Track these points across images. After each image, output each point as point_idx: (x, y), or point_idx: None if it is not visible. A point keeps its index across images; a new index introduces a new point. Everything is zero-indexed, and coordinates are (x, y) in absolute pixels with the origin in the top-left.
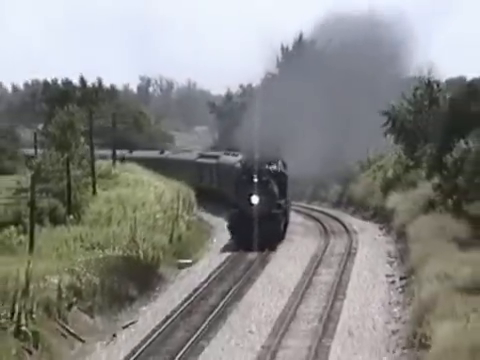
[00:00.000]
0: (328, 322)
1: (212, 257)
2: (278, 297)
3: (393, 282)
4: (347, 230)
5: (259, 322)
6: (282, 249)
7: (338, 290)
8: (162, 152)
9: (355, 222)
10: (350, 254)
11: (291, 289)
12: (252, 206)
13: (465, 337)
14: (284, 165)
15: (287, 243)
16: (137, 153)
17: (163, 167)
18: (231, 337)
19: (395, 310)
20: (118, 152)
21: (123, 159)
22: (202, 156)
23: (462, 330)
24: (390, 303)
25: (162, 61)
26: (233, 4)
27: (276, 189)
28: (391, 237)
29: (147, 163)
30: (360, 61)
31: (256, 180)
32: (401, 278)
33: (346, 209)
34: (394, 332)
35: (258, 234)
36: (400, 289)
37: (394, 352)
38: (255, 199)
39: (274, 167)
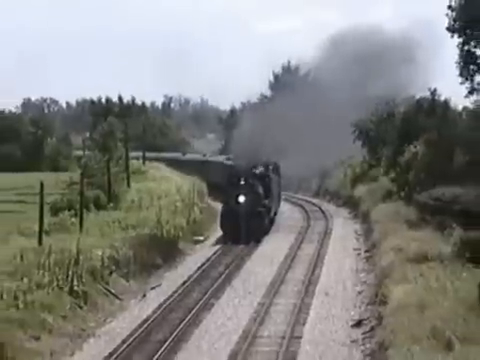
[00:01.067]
0: (309, 285)
1: (219, 235)
2: (270, 266)
3: (359, 254)
4: (324, 214)
5: (256, 285)
6: (273, 229)
7: (317, 260)
8: (204, 155)
9: (330, 208)
10: (326, 233)
11: (280, 260)
12: (239, 205)
13: (413, 296)
14: (277, 167)
15: (277, 225)
16: (188, 156)
17: (204, 167)
18: (235, 296)
19: (361, 275)
20: (171, 154)
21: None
22: (229, 158)
23: (411, 290)
24: (357, 270)
25: (181, 82)
26: (243, 33)
27: (261, 190)
28: (358, 219)
29: (194, 163)
30: (350, 76)
31: (243, 182)
32: (366, 251)
33: (323, 198)
34: (360, 292)
35: (245, 229)
36: (365, 259)
37: (360, 308)
38: (242, 199)
39: (260, 171)
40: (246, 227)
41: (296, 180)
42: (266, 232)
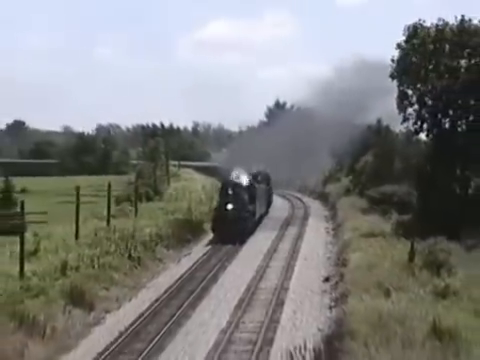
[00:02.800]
0: (293, 253)
1: None
2: (267, 241)
3: (328, 231)
4: (304, 204)
5: (256, 253)
6: (269, 214)
7: (299, 236)
8: None
9: (309, 200)
10: (306, 217)
11: (273, 237)
12: (227, 211)
13: (365, 260)
14: (267, 177)
15: (271, 210)
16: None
17: None
18: (241, 262)
19: (329, 246)
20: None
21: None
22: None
23: (363, 256)
24: (327, 243)
25: (205, 112)
26: (250, 79)
27: (246, 198)
28: (327, 208)
29: None
30: (332, 109)
31: (231, 192)
32: (332, 229)
33: (304, 193)
34: (329, 258)
35: (232, 232)
36: (332, 235)
37: (328, 268)
38: (229, 206)
39: (246, 181)
40: (233, 230)
41: (286, 181)
42: (251, 232)
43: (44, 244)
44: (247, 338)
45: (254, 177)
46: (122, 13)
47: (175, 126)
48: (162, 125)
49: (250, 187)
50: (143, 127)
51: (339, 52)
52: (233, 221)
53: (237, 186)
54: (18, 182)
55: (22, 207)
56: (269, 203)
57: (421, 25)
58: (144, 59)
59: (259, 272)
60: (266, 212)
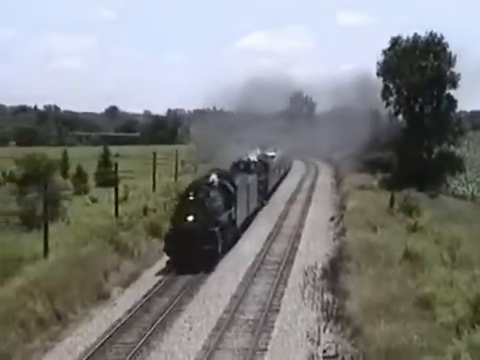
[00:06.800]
0: (309, 199)
1: None
2: (290, 190)
3: (333, 184)
4: (316, 165)
5: (281, 201)
6: (291, 170)
7: (312, 188)
8: None
9: (319, 163)
10: (317, 174)
11: (295, 187)
12: (186, 223)
13: (359, 205)
14: (265, 166)
15: (292, 168)
16: None
17: None
18: (271, 205)
19: (334, 195)
20: None
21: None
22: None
23: (357, 203)
24: (332, 192)
25: None
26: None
27: (217, 204)
28: (332, 168)
29: None
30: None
31: (192, 198)
32: (337, 184)
33: (317, 158)
34: (333, 203)
35: (194, 253)
36: (336, 187)
37: (333, 211)
38: (190, 218)
39: (219, 179)
40: (195, 250)
41: (303, 150)
42: (231, 245)
43: (131, 193)
44: (274, 260)
45: (246, 166)
46: (183, 28)
47: (223, 109)
48: (214, 108)
49: (226, 186)
50: (200, 110)
51: (340, 58)
52: (196, 238)
53: (202, 189)
54: (113, 149)
55: (116, 167)
56: (267, 194)
57: (400, 37)
58: (200, 62)
59: (283, 213)
60: (262, 205)
